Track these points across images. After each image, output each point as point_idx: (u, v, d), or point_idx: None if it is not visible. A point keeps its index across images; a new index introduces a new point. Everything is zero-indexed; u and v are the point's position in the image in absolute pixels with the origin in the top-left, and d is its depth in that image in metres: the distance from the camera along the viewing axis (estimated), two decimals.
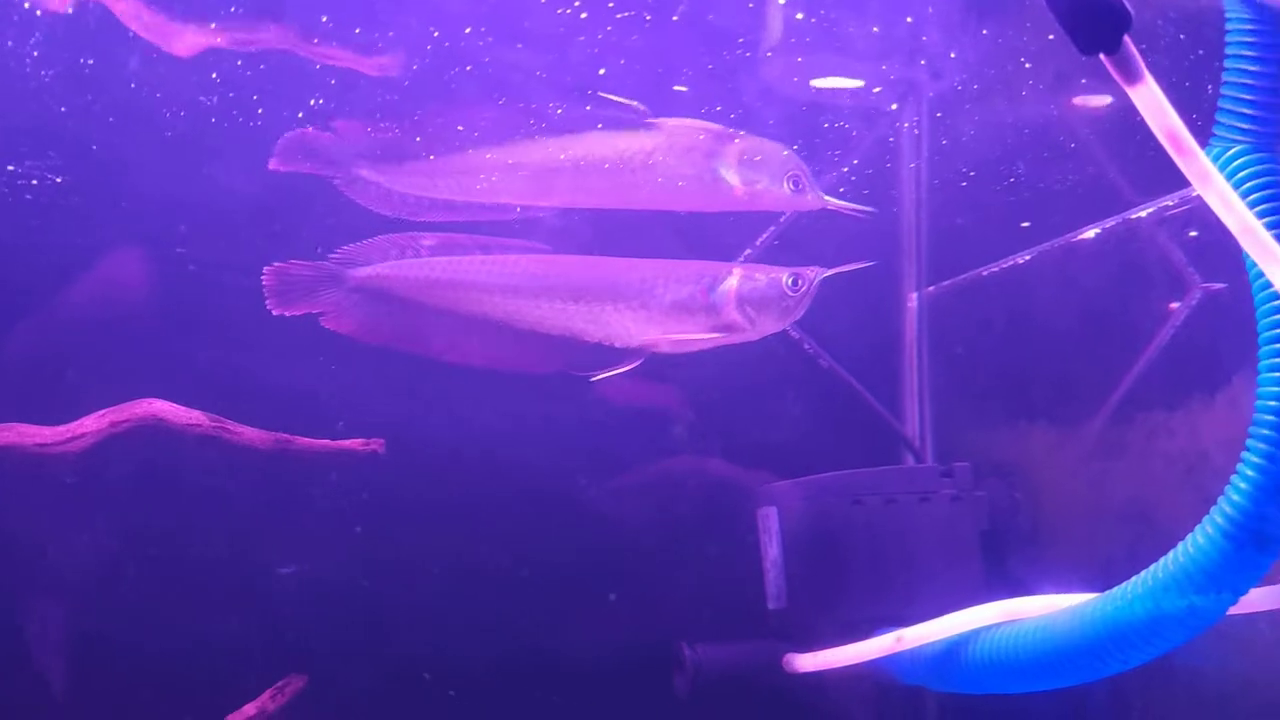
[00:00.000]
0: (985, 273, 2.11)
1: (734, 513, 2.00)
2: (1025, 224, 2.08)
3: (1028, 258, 2.04)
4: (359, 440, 1.85)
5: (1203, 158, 1.01)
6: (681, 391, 2.04)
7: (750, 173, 1.67)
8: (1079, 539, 1.93)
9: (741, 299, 1.68)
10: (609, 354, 1.71)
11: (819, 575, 1.86)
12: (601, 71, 1.74)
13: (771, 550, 1.93)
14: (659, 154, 1.66)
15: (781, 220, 2.00)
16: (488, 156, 1.70)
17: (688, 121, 1.73)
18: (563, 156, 1.69)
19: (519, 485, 1.98)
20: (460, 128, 1.70)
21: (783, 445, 2.07)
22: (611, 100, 1.69)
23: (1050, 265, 2.00)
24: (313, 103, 1.75)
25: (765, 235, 2.01)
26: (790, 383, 2.09)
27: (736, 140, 1.68)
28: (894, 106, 1.98)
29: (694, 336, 1.70)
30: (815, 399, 2.10)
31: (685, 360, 1.84)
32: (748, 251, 2.01)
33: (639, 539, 2.04)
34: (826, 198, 1.71)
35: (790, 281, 1.69)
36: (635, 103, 1.69)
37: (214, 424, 1.76)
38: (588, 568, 2.03)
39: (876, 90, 1.95)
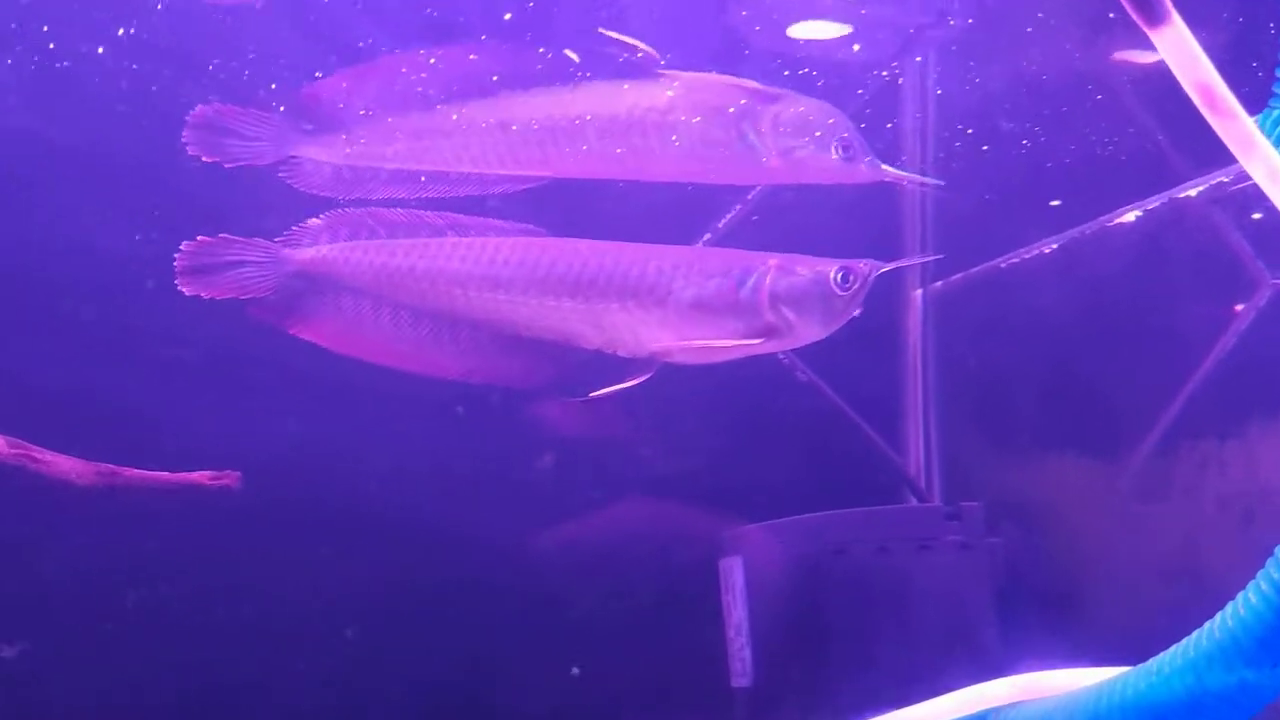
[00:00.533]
0: (1004, 264, 2.09)
1: (693, 564, 1.98)
2: (1054, 203, 2.07)
3: (1055, 246, 2.02)
4: (207, 473, 1.79)
5: (1245, 120, 0.95)
6: (631, 417, 2.03)
7: (790, 137, 1.65)
8: (1115, 597, 1.93)
9: (778, 297, 1.66)
10: (612, 364, 1.69)
11: (793, 643, 1.86)
12: (506, 16, 1.73)
13: (736, 612, 1.91)
14: (678, 112, 1.64)
15: (749, 196, 1.98)
16: (462, 115, 1.67)
17: (710, 75, 1.72)
18: (558, 114, 1.66)
19: (428, 534, 1.96)
20: (423, 79, 1.67)
21: (752, 480, 2.07)
22: (615, 40, 1.67)
23: (1082, 256, 1.99)
24: (121, 32, 1.69)
25: (730, 215, 1.99)
26: (762, 403, 2.07)
27: (772, 97, 1.67)
28: (885, 66, 1.99)
29: (720, 344, 1.67)
30: (793, 422, 2.09)
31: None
32: (707, 236, 1.98)
33: (579, 599, 2.04)
34: (885, 167, 1.70)
35: (839, 276, 1.66)
36: (644, 45, 1.67)
37: (15, 451, 1.69)
38: (517, 636, 2.02)
39: (850, 39, 1.94)
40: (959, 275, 2.14)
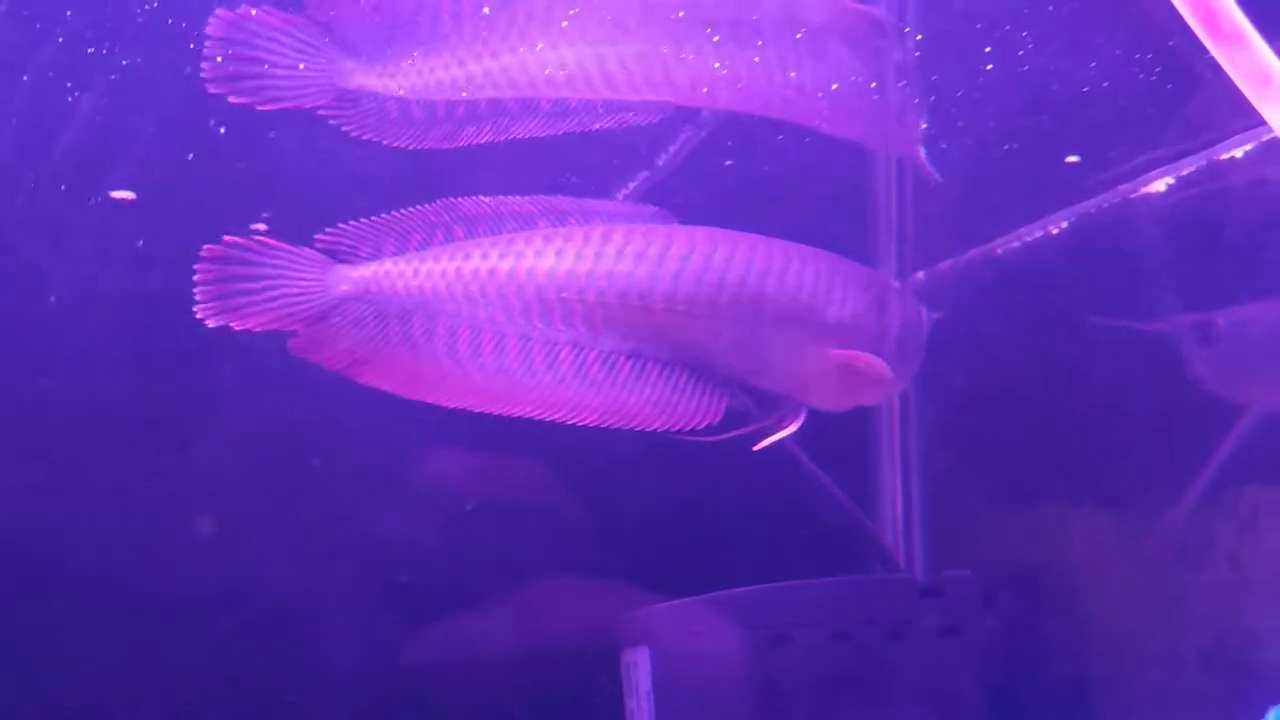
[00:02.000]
0: (1000, 249, 2.03)
1: (585, 658, 1.95)
2: (1072, 158, 2.02)
3: (1065, 224, 1.96)
4: None
5: (1259, 46, 0.95)
6: (537, 466, 2.00)
7: (911, 86, 1.62)
8: (1146, 687, 1.90)
9: (906, 326, 1.65)
10: (753, 402, 1.64)
11: None
12: None
13: None
14: (820, 30, 1.56)
15: (670, 152, 1.91)
16: (554, 11, 1.54)
17: None
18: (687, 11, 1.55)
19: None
20: None
21: (663, 542, 2.02)
22: None
23: (1100, 238, 1.93)
24: None
25: (637, 180, 1.92)
26: (688, 444, 1.91)
27: (883, 28, 1.61)
28: None
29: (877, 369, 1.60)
30: (716, 462, 1.90)
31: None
32: (623, 192, 1.92)
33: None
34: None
35: (926, 309, 1.69)
36: None
37: None
38: None
39: None
40: (945, 264, 2.08)
